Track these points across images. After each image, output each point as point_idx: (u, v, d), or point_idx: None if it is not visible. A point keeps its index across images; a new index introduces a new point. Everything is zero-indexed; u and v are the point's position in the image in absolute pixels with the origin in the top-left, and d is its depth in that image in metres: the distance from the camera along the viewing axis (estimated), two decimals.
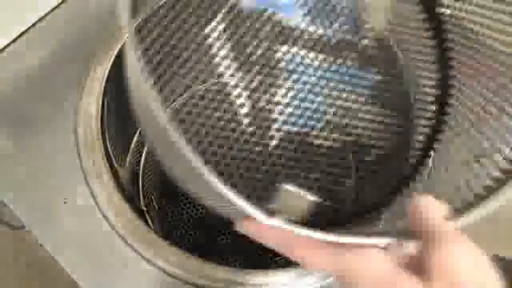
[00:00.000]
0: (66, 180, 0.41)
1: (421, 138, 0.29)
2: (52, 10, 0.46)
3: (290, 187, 0.24)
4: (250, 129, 0.39)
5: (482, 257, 0.19)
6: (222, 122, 0.37)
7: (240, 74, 0.38)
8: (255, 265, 0.40)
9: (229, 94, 0.38)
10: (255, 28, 0.37)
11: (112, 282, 0.38)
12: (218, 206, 0.24)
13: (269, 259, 0.57)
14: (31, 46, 0.45)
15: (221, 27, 0.37)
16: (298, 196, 0.24)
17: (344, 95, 0.38)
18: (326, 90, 0.38)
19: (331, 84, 0.38)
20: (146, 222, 0.42)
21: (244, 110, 0.38)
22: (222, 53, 0.37)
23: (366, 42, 0.39)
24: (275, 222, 0.21)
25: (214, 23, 0.37)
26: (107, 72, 0.44)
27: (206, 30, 0.37)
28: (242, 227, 0.22)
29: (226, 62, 0.37)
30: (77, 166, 0.41)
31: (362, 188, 0.32)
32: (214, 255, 0.40)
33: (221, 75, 0.38)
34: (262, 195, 0.29)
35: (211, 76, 0.38)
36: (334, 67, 0.38)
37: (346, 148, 0.38)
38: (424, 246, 0.20)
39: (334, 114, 0.38)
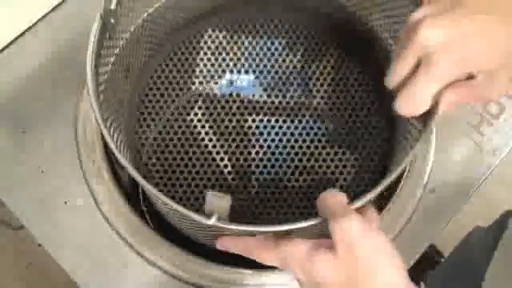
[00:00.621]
0: (66, 180, 0.41)
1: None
2: (52, 9, 0.46)
3: (213, 192, 0.31)
4: (234, 182, 0.48)
5: (370, 224, 0.26)
6: (212, 182, 0.48)
7: (220, 142, 0.49)
8: (255, 265, 0.40)
9: (214, 159, 0.49)
10: (228, 106, 0.50)
11: (112, 282, 0.38)
12: (192, 230, 0.32)
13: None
14: (31, 46, 0.45)
15: (201, 110, 0.50)
16: (222, 197, 0.30)
17: (305, 144, 0.49)
18: (290, 143, 0.49)
19: (294, 137, 0.49)
20: (146, 221, 0.42)
21: (228, 169, 0.49)
22: (205, 129, 0.49)
23: (316, 100, 0.51)
24: (213, 221, 0.28)
25: (196, 108, 0.50)
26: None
27: (190, 116, 0.50)
28: (219, 245, 0.32)
29: (208, 135, 0.49)
30: (77, 166, 0.41)
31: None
32: (213, 255, 0.40)
33: (206, 146, 0.49)
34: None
35: (197, 147, 0.49)
36: (293, 124, 0.50)
37: (312, 185, 0.48)
38: (329, 225, 0.26)
39: (300, 160, 0.48)
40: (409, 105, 0.29)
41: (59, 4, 0.47)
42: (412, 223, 0.40)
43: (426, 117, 0.30)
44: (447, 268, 0.65)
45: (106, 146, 0.42)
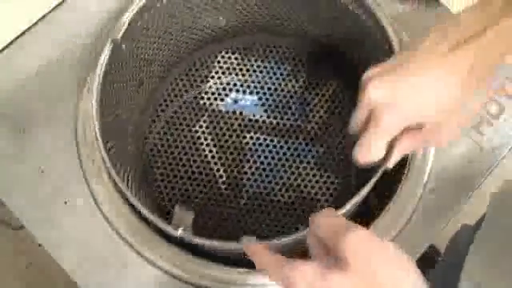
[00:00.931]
0: (65, 180, 0.41)
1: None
2: (52, 9, 0.46)
3: (180, 207, 0.35)
4: (226, 192, 0.53)
5: (373, 235, 0.25)
6: (206, 189, 0.53)
7: (219, 154, 0.55)
8: (255, 265, 0.40)
9: (211, 169, 0.54)
10: (230, 122, 0.56)
11: (112, 281, 0.38)
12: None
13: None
14: (31, 46, 0.45)
15: (206, 123, 0.56)
16: (186, 213, 0.35)
17: (295, 164, 0.54)
18: (281, 161, 0.54)
19: (285, 156, 0.54)
20: (146, 221, 0.42)
21: (222, 179, 0.54)
22: (207, 141, 0.55)
23: (311, 125, 0.55)
24: (180, 232, 0.33)
25: (201, 121, 0.56)
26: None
27: (195, 128, 0.56)
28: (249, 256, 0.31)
29: (209, 146, 0.55)
30: (77, 166, 0.41)
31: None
32: (214, 255, 0.40)
33: (206, 155, 0.55)
34: (232, 237, 0.40)
35: (198, 155, 0.55)
36: (287, 144, 0.55)
37: (296, 202, 0.53)
38: (331, 243, 0.25)
39: (288, 178, 0.53)
40: (362, 154, 0.33)
41: (59, 4, 0.47)
42: (412, 223, 0.40)
43: (381, 162, 0.34)
44: (444, 268, 0.65)
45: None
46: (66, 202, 0.40)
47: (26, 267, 0.85)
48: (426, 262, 0.70)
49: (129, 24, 0.42)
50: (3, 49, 0.45)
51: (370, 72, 0.33)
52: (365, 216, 0.42)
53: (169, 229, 0.34)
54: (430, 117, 0.32)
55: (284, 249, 0.34)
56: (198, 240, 0.34)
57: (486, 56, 0.30)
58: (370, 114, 0.32)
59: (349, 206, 0.34)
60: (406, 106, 0.31)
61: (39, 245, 0.39)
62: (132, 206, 0.41)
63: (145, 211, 0.35)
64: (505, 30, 0.28)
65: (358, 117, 0.34)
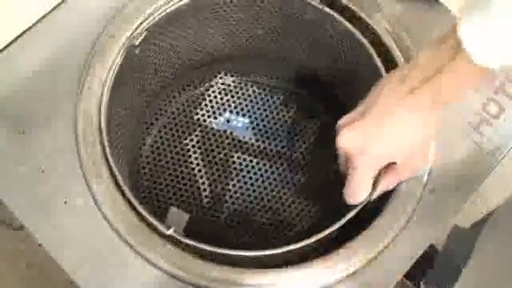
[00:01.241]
0: (66, 180, 0.41)
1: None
2: (52, 9, 0.46)
3: (175, 209, 0.38)
4: (208, 205, 0.56)
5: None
6: (190, 200, 0.56)
7: (206, 169, 0.57)
8: (255, 265, 0.40)
9: (197, 181, 0.57)
10: (220, 140, 0.59)
11: (112, 281, 0.38)
12: None
13: (269, 259, 0.57)
14: (31, 45, 0.45)
15: (197, 138, 0.59)
16: (180, 214, 0.37)
17: (277, 188, 0.57)
18: (264, 184, 0.57)
19: (268, 180, 0.57)
20: (147, 222, 0.42)
21: (206, 193, 0.57)
22: (195, 155, 0.58)
23: (296, 154, 0.59)
24: (170, 232, 0.36)
25: (193, 136, 0.59)
26: (107, 72, 0.44)
27: (186, 140, 0.58)
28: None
29: (197, 160, 0.58)
30: (77, 166, 0.41)
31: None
32: (213, 255, 0.40)
33: (193, 169, 0.57)
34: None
35: (186, 168, 0.57)
36: (271, 169, 0.58)
37: (273, 225, 0.56)
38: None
39: (268, 200, 0.56)
40: (349, 196, 0.37)
41: (59, 4, 0.47)
42: (412, 223, 0.40)
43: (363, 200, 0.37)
44: (439, 267, 0.66)
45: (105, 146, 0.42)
46: (66, 202, 0.40)
47: (26, 267, 0.85)
48: (426, 262, 0.70)
49: (147, 31, 0.44)
50: (3, 49, 0.45)
51: (342, 120, 0.36)
52: (365, 216, 0.42)
53: (160, 227, 0.36)
54: (399, 156, 0.35)
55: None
56: (187, 241, 0.36)
57: (444, 94, 0.31)
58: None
59: (322, 235, 0.37)
60: (374, 150, 0.33)
61: (39, 245, 0.39)
62: (132, 206, 0.41)
63: (142, 210, 0.38)
64: (460, 68, 0.29)
65: (340, 160, 0.38)
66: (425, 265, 0.73)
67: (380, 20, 0.47)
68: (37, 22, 0.46)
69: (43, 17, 0.46)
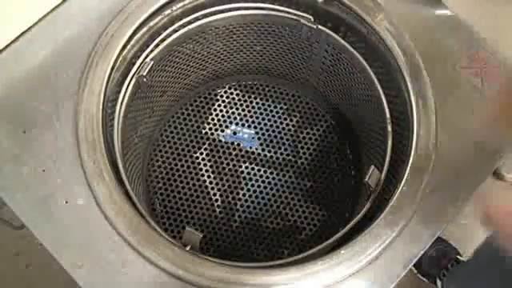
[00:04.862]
0: (66, 180, 0.41)
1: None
2: (52, 9, 0.46)
3: (190, 228, 0.39)
4: (221, 215, 0.59)
5: None
6: (203, 211, 0.59)
7: (216, 180, 0.61)
8: (255, 265, 0.40)
9: (208, 193, 0.60)
10: (228, 152, 0.62)
11: (112, 281, 0.38)
12: None
13: (269, 259, 0.57)
14: (31, 45, 0.45)
15: (206, 151, 0.62)
16: (194, 233, 0.39)
17: (284, 194, 0.60)
18: (272, 191, 0.60)
19: (276, 187, 0.60)
20: (146, 221, 0.42)
21: (218, 203, 0.60)
22: (206, 167, 0.61)
23: (301, 160, 0.62)
24: (187, 249, 0.38)
25: (202, 149, 0.62)
26: (107, 72, 0.44)
27: (196, 154, 0.62)
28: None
29: (208, 173, 0.61)
30: (77, 166, 0.41)
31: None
32: (214, 255, 0.40)
33: (204, 181, 0.61)
34: (222, 256, 0.46)
35: (197, 180, 0.61)
36: (278, 176, 0.61)
37: (283, 230, 0.59)
38: None
39: (277, 206, 0.59)
40: None
41: (59, 4, 0.47)
42: (412, 223, 0.40)
43: None
44: (472, 268, 0.65)
45: (106, 145, 0.42)
46: (66, 202, 0.40)
47: (25, 267, 0.85)
48: (443, 261, 0.71)
49: (153, 61, 0.47)
50: (3, 49, 0.45)
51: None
52: (365, 216, 0.42)
53: (178, 245, 0.39)
54: None
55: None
56: (204, 257, 0.38)
57: None
58: None
59: (332, 240, 0.39)
60: None
61: (40, 244, 0.39)
62: (132, 206, 0.41)
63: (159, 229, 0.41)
64: None
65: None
66: (442, 264, 0.73)
67: (382, 20, 0.47)
68: (37, 22, 0.46)
69: (43, 17, 0.46)
